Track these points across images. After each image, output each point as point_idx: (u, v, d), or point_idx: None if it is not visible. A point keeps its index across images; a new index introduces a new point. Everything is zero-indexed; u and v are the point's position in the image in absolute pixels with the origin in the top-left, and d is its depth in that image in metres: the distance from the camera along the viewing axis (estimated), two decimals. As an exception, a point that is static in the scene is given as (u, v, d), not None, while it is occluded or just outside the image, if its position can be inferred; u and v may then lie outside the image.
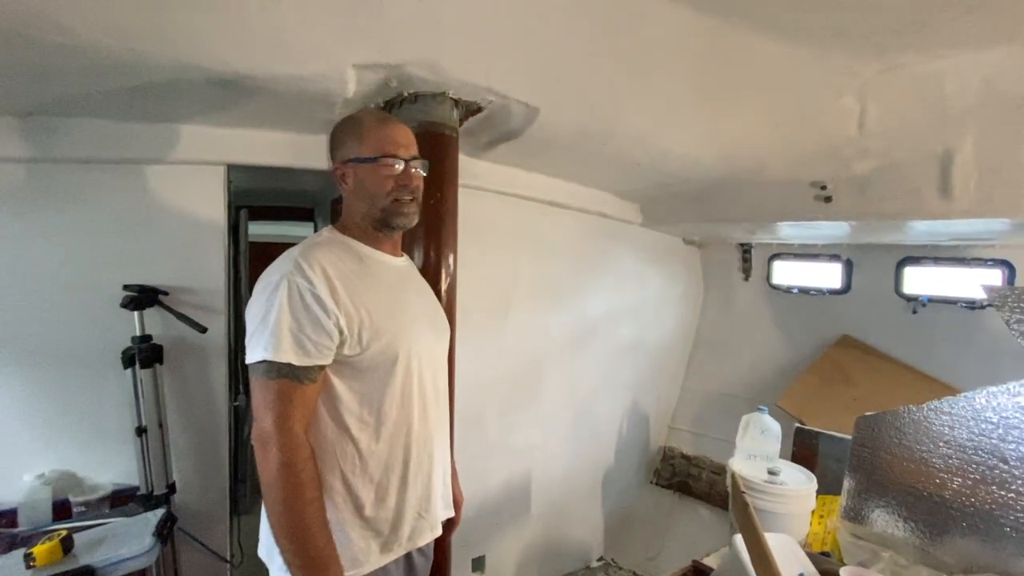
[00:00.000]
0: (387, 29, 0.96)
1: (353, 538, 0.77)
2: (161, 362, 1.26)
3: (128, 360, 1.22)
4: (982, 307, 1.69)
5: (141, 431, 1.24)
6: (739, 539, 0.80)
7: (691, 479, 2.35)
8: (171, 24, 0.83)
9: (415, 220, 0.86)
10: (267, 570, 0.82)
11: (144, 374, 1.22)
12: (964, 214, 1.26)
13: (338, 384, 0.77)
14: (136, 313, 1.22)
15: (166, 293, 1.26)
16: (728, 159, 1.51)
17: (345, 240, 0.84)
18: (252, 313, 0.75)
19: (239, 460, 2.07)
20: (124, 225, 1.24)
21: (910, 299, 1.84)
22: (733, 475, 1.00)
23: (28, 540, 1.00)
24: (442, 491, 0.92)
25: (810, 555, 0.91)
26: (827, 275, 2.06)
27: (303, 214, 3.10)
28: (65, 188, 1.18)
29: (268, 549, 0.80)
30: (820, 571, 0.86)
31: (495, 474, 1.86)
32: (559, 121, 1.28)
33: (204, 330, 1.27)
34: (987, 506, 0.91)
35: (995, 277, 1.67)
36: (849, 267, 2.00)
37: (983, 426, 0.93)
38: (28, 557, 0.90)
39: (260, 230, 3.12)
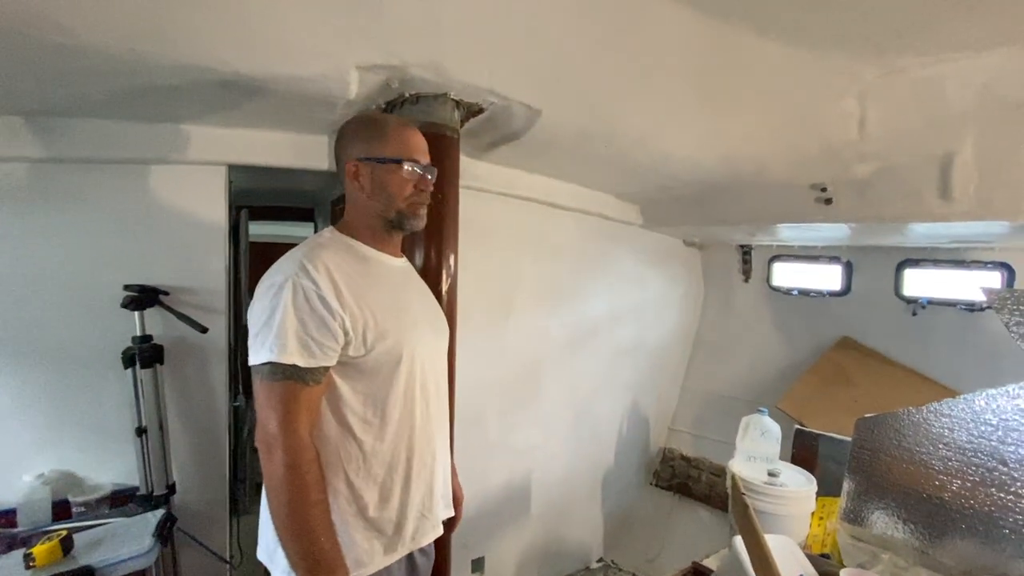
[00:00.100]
0: (389, 30, 0.96)
1: (357, 539, 0.77)
2: (161, 362, 1.26)
3: (128, 360, 1.22)
4: (981, 309, 1.69)
5: (141, 431, 1.23)
6: (739, 541, 0.80)
7: (691, 480, 2.35)
8: (172, 24, 0.83)
9: (424, 224, 0.87)
10: (266, 571, 0.82)
11: (144, 374, 1.22)
12: (964, 216, 1.27)
13: (342, 385, 0.77)
14: (137, 313, 1.22)
15: (167, 293, 1.26)
16: (729, 161, 1.52)
17: (347, 241, 0.84)
18: (255, 314, 0.75)
19: (239, 460, 2.07)
20: (125, 225, 1.24)
21: (910, 301, 1.85)
22: (733, 477, 1.01)
23: (28, 540, 0.99)
24: (443, 490, 0.92)
25: (810, 557, 0.91)
26: (827, 277, 2.06)
27: (303, 214, 3.10)
28: (66, 188, 1.18)
29: (269, 551, 0.79)
30: (820, 573, 0.86)
31: (495, 474, 1.86)
32: (560, 123, 1.29)
33: (205, 330, 1.27)
34: (986, 508, 0.91)
35: (994, 279, 1.67)
36: (849, 269, 2.01)
37: (982, 428, 0.93)
38: (28, 557, 0.90)
39: (260, 230, 3.13)
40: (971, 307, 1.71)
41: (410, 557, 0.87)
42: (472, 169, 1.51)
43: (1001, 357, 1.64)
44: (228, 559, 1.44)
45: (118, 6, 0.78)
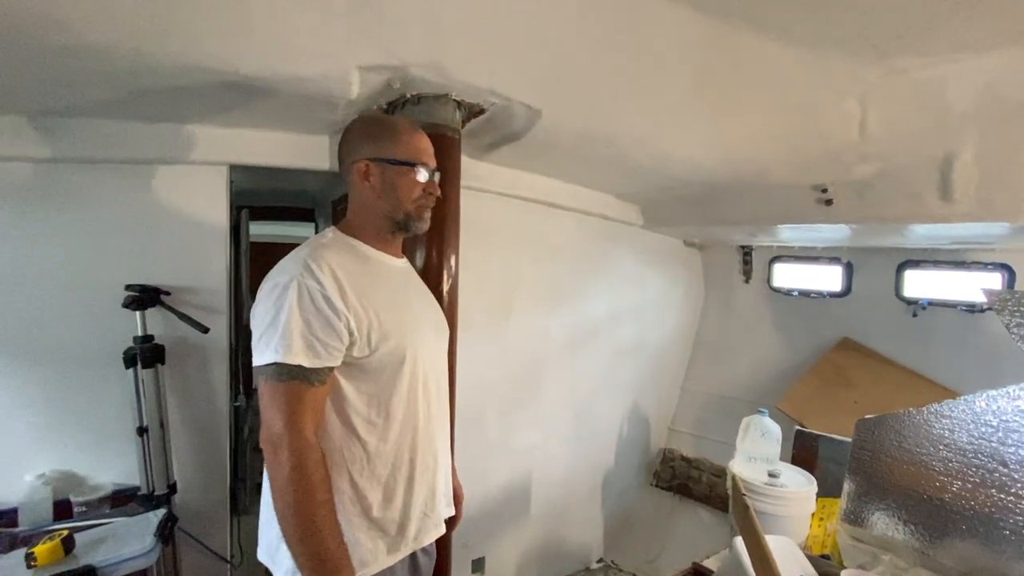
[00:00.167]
0: (390, 31, 0.96)
1: (361, 539, 0.78)
2: (163, 362, 1.26)
3: (130, 360, 1.22)
4: (982, 311, 1.69)
5: (142, 431, 1.24)
6: (740, 541, 0.80)
7: (691, 481, 2.35)
8: (174, 24, 0.83)
9: (428, 226, 0.88)
10: (267, 572, 0.82)
11: (146, 374, 1.22)
12: (964, 218, 1.27)
13: (346, 386, 0.77)
14: (138, 313, 1.22)
15: (168, 293, 1.26)
16: (730, 162, 1.52)
17: (350, 241, 0.84)
18: (259, 315, 0.75)
19: (239, 460, 2.07)
20: (126, 225, 1.24)
21: (910, 302, 1.85)
22: (733, 477, 1.01)
23: (29, 540, 0.99)
24: (444, 490, 0.92)
25: (810, 558, 0.91)
26: (828, 278, 2.06)
27: (304, 214, 3.10)
28: (67, 188, 1.18)
29: (271, 551, 0.79)
30: (820, 574, 0.86)
31: (495, 475, 1.86)
32: (561, 123, 1.29)
33: (206, 330, 1.27)
34: (987, 509, 0.91)
35: (995, 281, 1.67)
36: (849, 270, 2.01)
37: (983, 429, 0.93)
38: (29, 557, 0.90)
39: (261, 230, 3.13)
40: (972, 308, 1.71)
41: (413, 556, 0.87)
42: (473, 169, 1.51)
43: (1001, 358, 1.64)
44: (229, 559, 1.44)
45: (120, 6, 0.78)
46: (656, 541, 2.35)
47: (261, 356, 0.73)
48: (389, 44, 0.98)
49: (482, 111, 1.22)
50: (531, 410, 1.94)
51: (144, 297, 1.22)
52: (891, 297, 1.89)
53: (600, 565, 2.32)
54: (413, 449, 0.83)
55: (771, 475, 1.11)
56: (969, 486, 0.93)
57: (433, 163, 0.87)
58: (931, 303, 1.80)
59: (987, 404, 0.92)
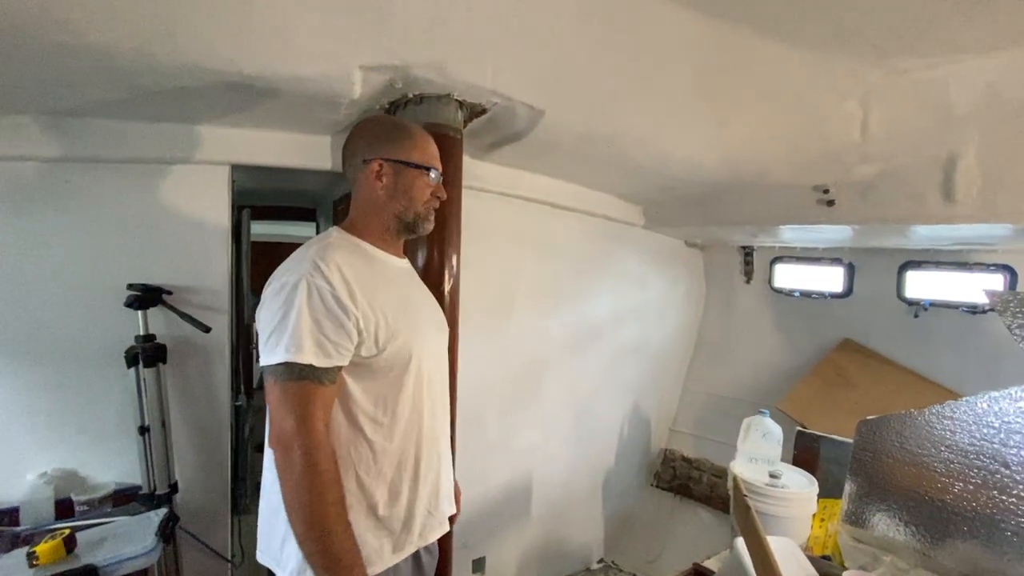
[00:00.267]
0: (393, 31, 0.96)
1: (367, 538, 0.78)
2: (164, 361, 1.26)
3: (131, 359, 1.22)
4: (984, 312, 1.69)
5: (144, 430, 1.24)
6: (741, 542, 0.80)
7: (692, 482, 2.35)
8: (177, 24, 0.83)
9: (432, 228, 0.90)
10: (267, 572, 0.82)
11: (147, 373, 1.22)
12: (967, 219, 1.27)
13: (353, 385, 0.77)
14: (140, 312, 1.22)
15: (170, 292, 1.27)
16: (731, 163, 1.51)
17: (354, 241, 0.84)
18: (268, 315, 0.75)
19: (240, 460, 2.08)
20: (128, 224, 1.24)
21: (912, 303, 1.84)
22: (735, 478, 1.00)
23: (30, 539, 0.99)
24: (447, 488, 0.93)
25: (811, 559, 0.91)
26: (829, 279, 2.06)
27: (305, 214, 3.10)
28: (69, 187, 1.19)
29: (274, 551, 0.79)
30: (821, 575, 0.86)
31: (495, 475, 1.86)
32: (563, 123, 1.29)
33: (208, 330, 1.27)
34: (988, 511, 0.91)
35: (997, 282, 1.67)
36: (851, 271, 2.01)
37: (985, 431, 0.93)
38: (31, 556, 0.90)
39: (262, 230, 3.14)
40: (973, 309, 1.71)
41: (416, 555, 0.87)
42: (474, 169, 1.51)
43: (1003, 359, 1.64)
44: (230, 558, 1.44)
45: (121, 5, 0.78)
46: (657, 541, 2.35)
47: (270, 356, 0.72)
48: (391, 44, 0.98)
49: (484, 111, 1.22)
50: (531, 410, 1.94)
51: (146, 296, 1.22)
52: (893, 298, 1.89)
53: (600, 565, 2.32)
54: (418, 448, 0.84)
55: (772, 476, 1.11)
56: (971, 487, 0.93)
57: (440, 167, 0.89)
58: (933, 304, 1.79)
59: (989, 405, 0.92)
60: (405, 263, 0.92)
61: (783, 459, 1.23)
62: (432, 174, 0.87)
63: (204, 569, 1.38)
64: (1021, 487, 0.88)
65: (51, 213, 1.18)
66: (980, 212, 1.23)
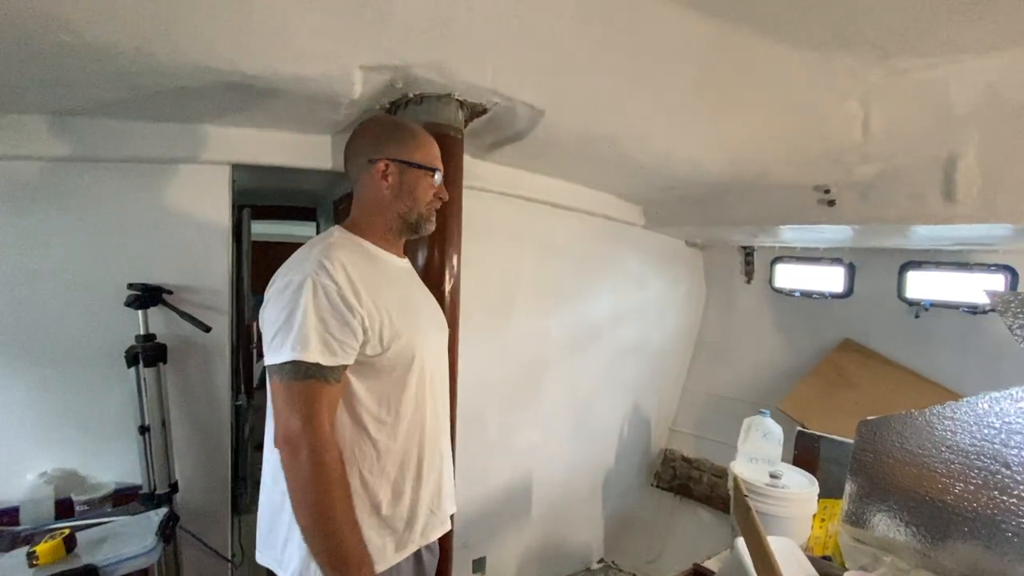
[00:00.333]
0: (394, 31, 0.96)
1: (371, 537, 0.78)
2: (164, 361, 1.26)
3: (132, 359, 1.22)
4: (984, 312, 1.69)
5: (144, 430, 1.24)
6: (741, 542, 0.80)
7: (692, 482, 2.34)
8: (176, 24, 0.83)
9: (433, 228, 0.91)
10: (267, 572, 0.82)
11: (147, 373, 1.22)
12: (967, 219, 1.27)
13: (357, 384, 0.77)
14: (140, 312, 1.22)
15: (170, 292, 1.27)
16: (732, 163, 1.51)
17: (357, 240, 0.85)
18: (273, 314, 0.74)
19: (240, 459, 2.08)
20: (128, 224, 1.24)
21: (912, 303, 1.84)
22: (735, 478, 1.00)
23: (30, 539, 0.99)
24: (448, 487, 0.93)
25: (812, 559, 0.91)
26: (829, 279, 2.06)
27: (305, 214, 3.11)
28: (69, 186, 1.19)
29: (276, 552, 0.79)
30: (822, 575, 0.86)
31: (496, 475, 1.86)
32: (563, 123, 1.29)
33: (208, 329, 1.27)
34: (989, 511, 0.91)
35: (998, 282, 1.67)
36: (851, 271, 2.00)
37: (985, 431, 0.92)
38: (31, 556, 0.90)
39: (263, 229, 3.14)
40: (974, 310, 1.71)
41: (417, 554, 0.87)
42: (475, 169, 1.51)
43: (1003, 360, 1.63)
44: (230, 557, 1.44)
45: (121, 4, 0.78)
46: (657, 542, 2.35)
47: (276, 355, 0.72)
48: (392, 44, 0.98)
49: (485, 111, 1.22)
50: (532, 410, 1.94)
51: (146, 296, 1.22)
52: (893, 298, 1.88)
53: (600, 565, 2.32)
54: (421, 447, 0.84)
55: (772, 476, 1.11)
56: (971, 488, 0.93)
57: (442, 168, 0.90)
58: (933, 304, 1.79)
59: (990, 406, 0.92)
60: (406, 263, 0.93)
61: (783, 459, 1.23)
62: (436, 175, 0.88)
63: (204, 569, 1.38)
64: (1022, 488, 0.88)
65: (51, 212, 1.18)
66: (980, 212, 1.23)
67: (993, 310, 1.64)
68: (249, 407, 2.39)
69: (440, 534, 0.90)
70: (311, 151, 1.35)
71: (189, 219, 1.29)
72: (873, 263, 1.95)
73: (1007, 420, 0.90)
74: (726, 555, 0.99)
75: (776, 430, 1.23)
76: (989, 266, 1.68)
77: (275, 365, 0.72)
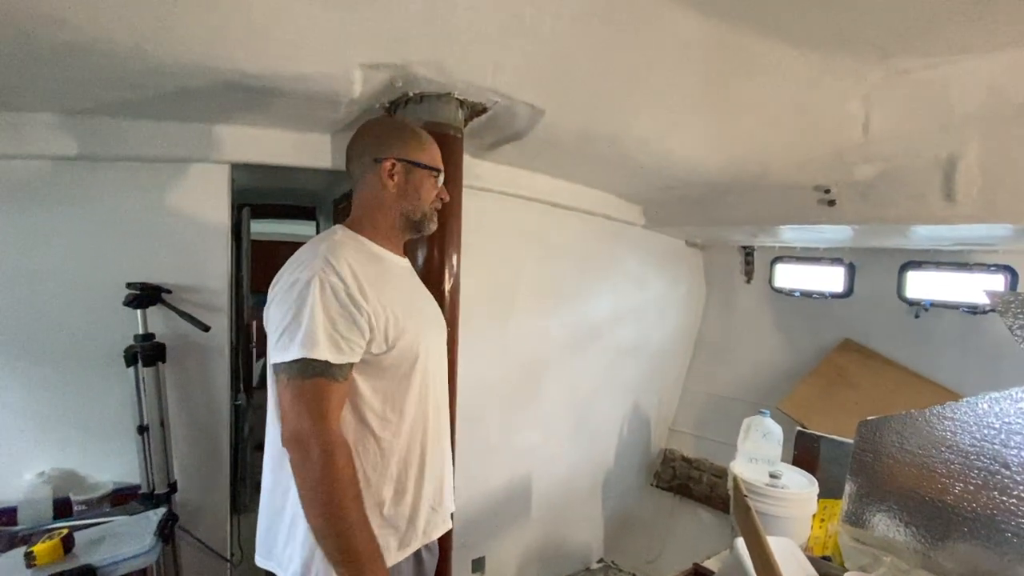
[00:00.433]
0: (394, 29, 0.96)
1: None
2: (163, 360, 1.26)
3: (130, 358, 1.22)
4: (984, 312, 1.69)
5: (143, 429, 1.23)
6: (741, 542, 0.80)
7: (692, 482, 2.34)
8: (175, 22, 0.83)
9: (435, 228, 0.92)
10: (264, 572, 0.81)
11: (146, 372, 1.22)
12: (967, 219, 1.27)
13: (361, 383, 0.77)
14: (139, 311, 1.21)
15: (169, 291, 1.26)
16: (732, 163, 1.51)
17: (360, 239, 0.85)
18: (279, 312, 0.74)
19: (239, 459, 2.07)
20: (127, 223, 1.24)
21: (912, 303, 1.84)
22: (735, 478, 1.00)
23: (28, 539, 0.99)
24: (449, 485, 0.93)
25: (811, 559, 0.91)
26: (829, 279, 2.06)
27: (305, 213, 3.10)
28: (68, 185, 1.18)
29: (277, 553, 0.79)
30: (821, 575, 0.86)
31: (496, 475, 1.86)
32: (564, 123, 1.28)
33: (207, 328, 1.27)
34: (989, 511, 0.90)
35: (997, 282, 1.67)
36: (851, 271, 2.00)
37: (985, 431, 0.92)
38: (29, 556, 0.90)
39: (262, 228, 3.13)
40: (974, 310, 1.71)
41: (417, 554, 0.87)
42: (474, 168, 1.51)
43: (1003, 360, 1.64)
44: (229, 557, 1.44)
45: (120, 3, 0.78)
46: (656, 541, 2.35)
47: (283, 353, 0.72)
48: (392, 42, 0.98)
49: (484, 110, 1.21)
50: (532, 410, 1.94)
51: (145, 295, 1.22)
52: (893, 298, 1.89)
53: (600, 565, 2.31)
54: (423, 445, 0.84)
55: (772, 476, 1.11)
56: (971, 488, 0.93)
57: (444, 170, 0.91)
58: (933, 304, 1.79)
59: (990, 406, 0.92)
60: (406, 262, 0.93)
61: (783, 459, 1.23)
62: (440, 176, 0.89)
63: (203, 569, 1.37)
64: (1021, 488, 0.88)
65: (50, 211, 1.18)
66: (980, 212, 1.23)
67: (993, 310, 1.64)
68: (249, 407, 2.39)
69: (442, 532, 0.90)
70: (311, 150, 1.35)
71: (188, 218, 1.29)
72: (873, 263, 1.95)
73: (1007, 421, 0.90)
74: (726, 555, 0.99)
75: (776, 430, 1.23)
76: (989, 266, 1.68)
77: (282, 363, 0.72)
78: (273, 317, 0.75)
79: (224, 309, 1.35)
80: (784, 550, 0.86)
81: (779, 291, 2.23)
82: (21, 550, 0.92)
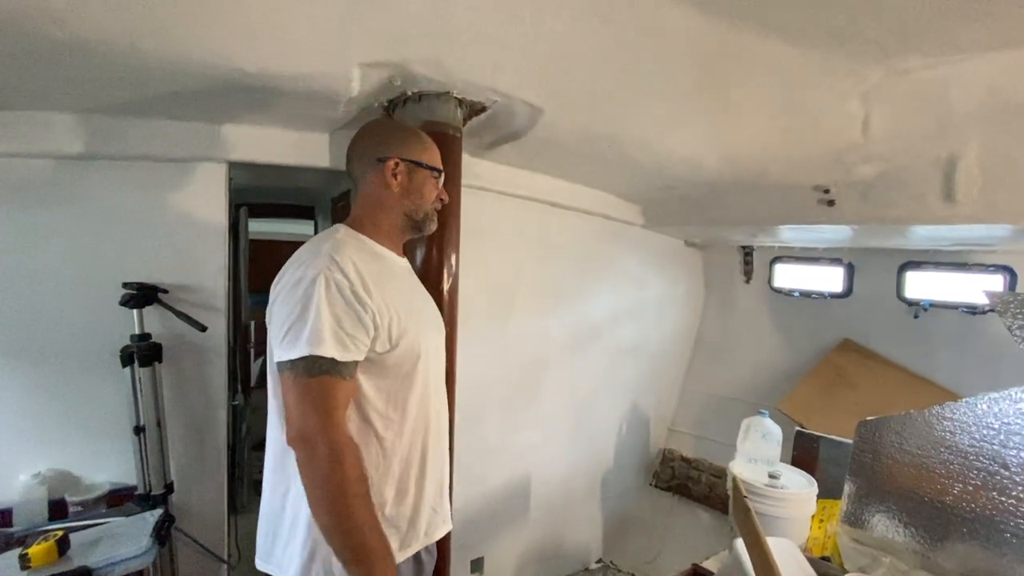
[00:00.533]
0: (393, 28, 0.95)
1: None
2: (160, 361, 1.25)
3: (127, 358, 1.21)
4: (983, 312, 1.69)
5: (139, 430, 1.23)
6: (740, 543, 0.80)
7: (690, 482, 2.35)
8: (171, 20, 0.82)
9: (435, 228, 0.93)
10: (262, 574, 0.81)
11: (143, 372, 1.21)
12: (967, 219, 1.27)
13: (364, 382, 0.77)
14: (135, 311, 1.21)
15: (165, 291, 1.26)
16: (731, 162, 1.51)
17: (362, 238, 0.85)
18: (284, 310, 0.74)
19: (237, 459, 2.07)
20: (124, 222, 1.23)
21: (911, 303, 1.84)
22: (734, 479, 1.00)
23: (23, 540, 0.98)
24: (447, 485, 0.93)
25: (810, 560, 0.91)
26: (829, 279, 2.06)
27: (303, 212, 3.09)
28: (64, 184, 1.17)
29: (276, 557, 0.79)
30: (821, 576, 0.86)
31: (495, 475, 1.86)
32: (563, 122, 1.28)
33: (204, 329, 1.26)
34: (988, 512, 0.90)
35: (996, 283, 1.67)
36: (851, 271, 2.00)
37: (984, 432, 0.92)
38: (23, 558, 0.89)
39: (260, 228, 3.12)
40: (973, 310, 1.71)
41: (417, 556, 0.86)
42: (473, 168, 1.50)
43: (1002, 360, 1.64)
44: (226, 558, 1.43)
45: (120, 2, 0.77)
46: (655, 542, 2.35)
47: (289, 350, 0.71)
48: (391, 40, 0.97)
49: (483, 109, 1.21)
50: (531, 410, 1.93)
51: (141, 295, 1.21)
52: (892, 298, 1.89)
53: (599, 565, 2.31)
54: (425, 446, 0.84)
55: (771, 476, 1.11)
56: (970, 489, 0.93)
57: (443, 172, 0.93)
58: (932, 305, 1.79)
59: (989, 406, 0.92)
60: (406, 263, 0.93)
61: (782, 459, 1.23)
62: (441, 178, 0.91)
63: (200, 570, 1.37)
64: (1021, 489, 0.88)
65: (45, 210, 1.17)
66: (980, 212, 1.23)
67: (992, 310, 1.64)
68: (246, 407, 2.38)
69: (443, 533, 0.90)
70: (309, 149, 1.34)
71: (185, 217, 1.28)
72: (872, 263, 1.95)
73: (1006, 421, 0.90)
74: (725, 556, 0.99)
75: (775, 430, 1.23)
76: (988, 266, 1.68)
77: (288, 361, 0.71)
78: (277, 314, 0.75)
79: (221, 309, 1.35)
80: (783, 551, 0.85)
81: (778, 291, 2.23)
82: (16, 552, 0.92)
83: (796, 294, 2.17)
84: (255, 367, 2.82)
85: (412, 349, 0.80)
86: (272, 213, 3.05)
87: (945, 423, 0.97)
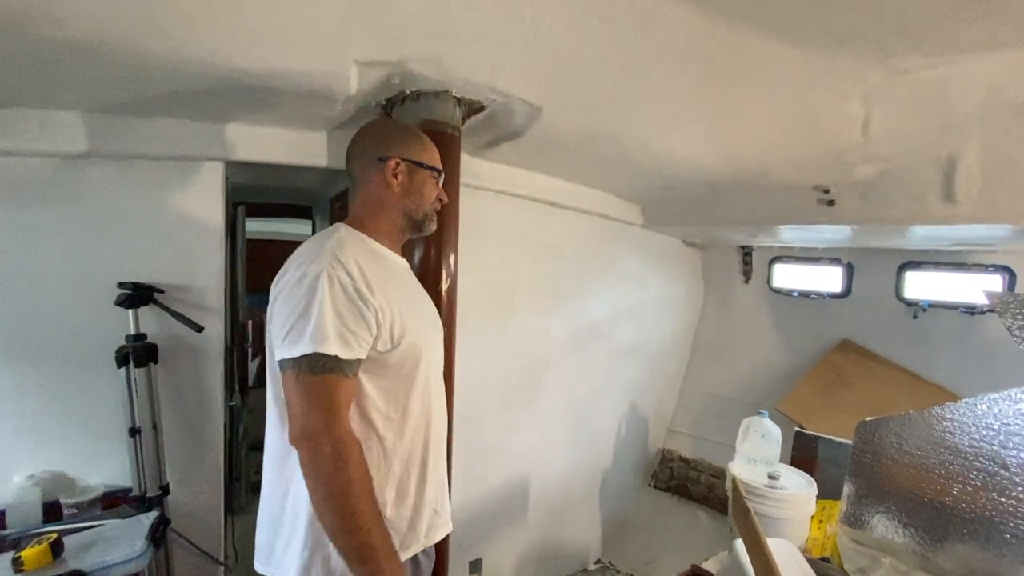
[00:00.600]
0: (391, 26, 0.94)
1: None
2: (156, 361, 1.24)
3: (122, 359, 1.20)
4: (982, 312, 1.69)
5: (134, 431, 1.22)
6: (740, 544, 0.80)
7: (689, 482, 2.34)
8: (170, 18, 0.82)
9: (435, 228, 0.93)
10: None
11: (138, 373, 1.20)
12: (967, 219, 1.27)
13: (366, 381, 0.76)
14: (131, 311, 1.20)
15: (161, 291, 1.25)
16: (731, 162, 1.51)
17: (363, 237, 0.84)
18: (287, 308, 0.73)
19: (233, 461, 2.06)
20: (119, 221, 1.22)
21: (911, 304, 1.84)
22: (733, 479, 1.00)
23: (17, 543, 0.98)
24: (445, 486, 0.92)
25: (810, 560, 0.91)
26: (828, 279, 2.06)
27: (301, 211, 3.08)
28: (60, 183, 1.16)
29: (276, 559, 0.78)
30: (821, 578, 0.86)
31: (494, 475, 1.85)
32: (562, 121, 1.27)
33: (200, 329, 1.25)
34: (987, 513, 0.90)
35: (995, 283, 1.67)
36: (850, 271, 2.01)
37: (984, 432, 0.92)
38: (16, 561, 0.88)
39: (257, 227, 3.11)
40: (972, 310, 1.71)
41: (415, 558, 0.86)
42: (472, 167, 1.50)
43: (1000, 360, 1.64)
44: (223, 560, 1.43)
45: (119, 2, 0.77)
46: (654, 542, 2.35)
47: (292, 348, 0.71)
48: (389, 39, 0.97)
49: (482, 108, 1.20)
50: (530, 410, 1.93)
51: (137, 295, 1.20)
52: (891, 298, 1.89)
53: (598, 566, 2.31)
54: (425, 446, 0.84)
55: (771, 477, 1.11)
56: (970, 489, 0.92)
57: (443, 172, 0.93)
58: (931, 305, 1.79)
59: (988, 407, 0.92)
60: (404, 263, 0.92)
61: (782, 460, 1.23)
62: (440, 178, 0.91)
63: (196, 573, 1.36)
64: (1020, 489, 0.88)
65: (41, 210, 1.16)
66: (980, 212, 1.23)
67: (991, 311, 1.65)
68: (243, 407, 2.37)
69: (443, 534, 0.89)
70: (307, 148, 1.33)
71: (182, 217, 1.27)
72: (871, 263, 1.95)
73: (1005, 422, 0.90)
74: (724, 556, 0.99)
75: (774, 431, 1.23)
76: (987, 267, 1.68)
77: (290, 359, 0.71)
78: (279, 312, 0.74)
79: (218, 309, 1.34)
80: (783, 552, 0.85)
81: (777, 291, 2.23)
82: (9, 555, 0.90)
83: (795, 294, 2.17)
84: (252, 367, 2.81)
85: (413, 348, 0.80)
86: (270, 212, 3.03)
87: (944, 424, 0.96)
